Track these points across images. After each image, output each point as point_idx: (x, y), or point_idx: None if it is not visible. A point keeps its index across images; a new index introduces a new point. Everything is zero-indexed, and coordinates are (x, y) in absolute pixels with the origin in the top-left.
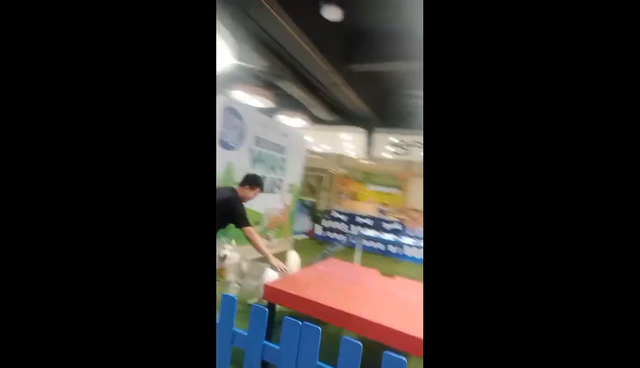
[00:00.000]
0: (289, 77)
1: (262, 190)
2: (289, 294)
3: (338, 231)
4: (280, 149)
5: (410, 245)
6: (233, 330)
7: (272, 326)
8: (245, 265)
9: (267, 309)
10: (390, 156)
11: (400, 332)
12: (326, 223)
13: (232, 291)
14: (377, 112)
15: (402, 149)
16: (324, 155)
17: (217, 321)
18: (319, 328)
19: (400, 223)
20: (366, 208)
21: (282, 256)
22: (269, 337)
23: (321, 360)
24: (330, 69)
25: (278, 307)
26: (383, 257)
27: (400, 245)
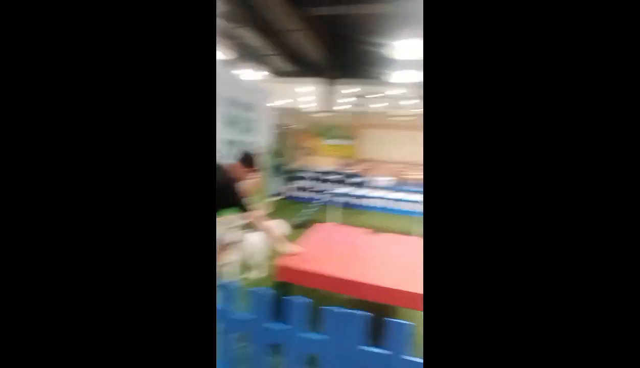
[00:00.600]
0: (248, 22)
1: (254, 170)
2: (307, 273)
3: (312, 190)
4: (249, 107)
5: (373, 197)
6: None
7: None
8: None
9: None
10: (345, 108)
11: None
12: (299, 183)
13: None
14: (336, 61)
15: (360, 99)
16: (281, 110)
17: (249, 316)
18: (363, 314)
19: (360, 175)
20: (326, 163)
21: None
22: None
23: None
24: (289, 12)
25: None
26: (350, 210)
27: (366, 197)
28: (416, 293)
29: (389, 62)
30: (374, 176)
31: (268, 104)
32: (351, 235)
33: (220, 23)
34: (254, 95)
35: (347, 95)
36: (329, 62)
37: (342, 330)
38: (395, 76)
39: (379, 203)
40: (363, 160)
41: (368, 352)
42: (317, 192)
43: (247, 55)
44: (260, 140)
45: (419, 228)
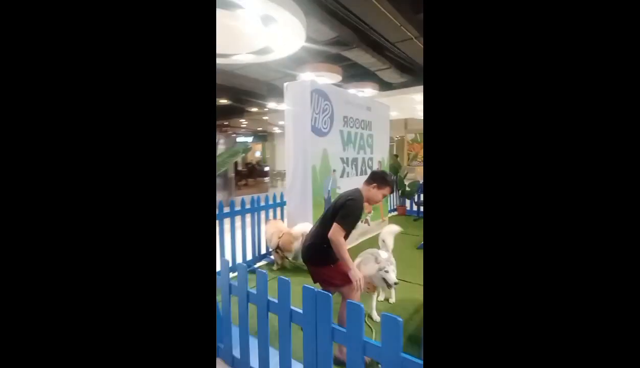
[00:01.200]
0: (357, 43)
1: (392, 191)
2: None
3: None
4: (367, 124)
5: None
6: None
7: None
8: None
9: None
10: None
11: None
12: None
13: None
14: None
15: None
16: (396, 122)
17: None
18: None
19: None
20: None
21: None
22: None
23: None
24: (402, 22)
25: None
26: None
27: None
28: None
29: None
30: None
31: (383, 118)
32: None
33: (329, 49)
34: (372, 111)
35: None
36: None
37: None
38: None
39: None
40: None
41: None
42: None
43: (358, 74)
44: (377, 155)
45: None
